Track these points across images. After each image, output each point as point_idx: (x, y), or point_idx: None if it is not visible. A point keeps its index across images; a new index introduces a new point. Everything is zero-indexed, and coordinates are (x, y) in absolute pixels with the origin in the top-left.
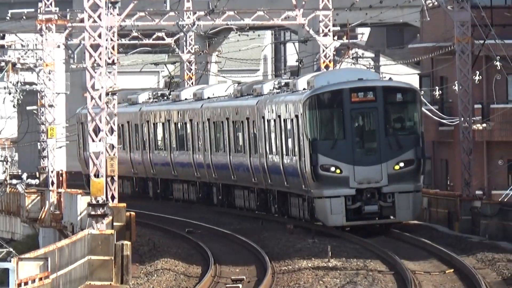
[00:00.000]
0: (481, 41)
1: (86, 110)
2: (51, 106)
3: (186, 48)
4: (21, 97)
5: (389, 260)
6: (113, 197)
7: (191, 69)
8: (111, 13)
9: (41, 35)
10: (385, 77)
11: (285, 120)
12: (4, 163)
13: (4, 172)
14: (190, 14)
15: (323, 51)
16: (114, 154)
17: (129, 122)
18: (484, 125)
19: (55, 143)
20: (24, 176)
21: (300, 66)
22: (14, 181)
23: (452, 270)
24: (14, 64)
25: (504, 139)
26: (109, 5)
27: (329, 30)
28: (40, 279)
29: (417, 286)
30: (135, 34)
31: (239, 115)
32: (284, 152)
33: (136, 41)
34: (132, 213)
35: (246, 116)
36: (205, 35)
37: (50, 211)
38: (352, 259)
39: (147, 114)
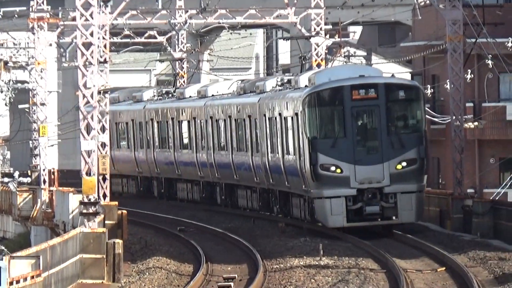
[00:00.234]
0: (473, 40)
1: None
2: (43, 104)
3: (178, 47)
4: (13, 95)
5: (381, 258)
6: (104, 196)
7: (183, 68)
8: (103, 12)
9: (33, 34)
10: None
11: (285, 118)
12: None
13: None
14: (182, 12)
15: (315, 49)
16: (106, 153)
17: (134, 120)
18: (476, 123)
19: (47, 141)
20: (16, 174)
21: (303, 63)
22: (6, 179)
23: (443, 268)
24: (6, 63)
25: (495, 137)
26: (101, 3)
27: (321, 29)
28: (32, 277)
29: (409, 284)
30: (127, 32)
31: (241, 113)
32: (285, 151)
33: (128, 40)
34: (124, 211)
35: (248, 114)
36: (197, 34)
37: (42, 210)
38: (344, 258)
39: (151, 112)
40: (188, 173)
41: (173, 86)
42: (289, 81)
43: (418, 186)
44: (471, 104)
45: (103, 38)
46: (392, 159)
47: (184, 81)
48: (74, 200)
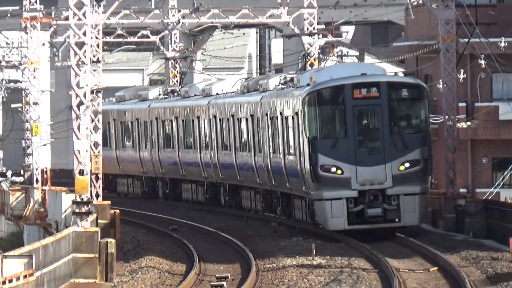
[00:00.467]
0: (466, 40)
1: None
2: (35, 104)
3: (171, 46)
4: (6, 94)
5: (373, 258)
6: (97, 195)
7: (176, 67)
8: (96, 11)
9: (26, 33)
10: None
11: (286, 118)
12: None
13: None
14: (175, 12)
15: (308, 49)
16: (98, 152)
17: (139, 120)
18: (469, 123)
19: (39, 140)
20: (9, 173)
21: (307, 60)
22: None
23: (436, 268)
24: None
25: (488, 137)
26: (94, 3)
27: (314, 28)
28: (25, 276)
29: (401, 284)
30: (120, 32)
31: (243, 112)
32: (286, 152)
33: (121, 39)
34: (117, 211)
35: (251, 113)
36: (190, 33)
37: (35, 209)
38: (337, 257)
39: (156, 111)
40: (192, 174)
41: (179, 85)
42: (291, 79)
43: (421, 187)
44: (464, 104)
45: (96, 37)
46: (395, 160)
47: (177, 81)
48: (66, 200)
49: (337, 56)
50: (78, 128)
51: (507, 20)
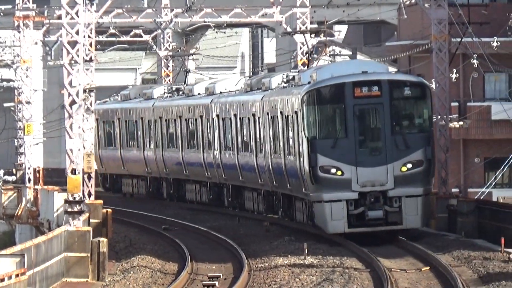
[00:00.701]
0: (458, 39)
1: (102, 105)
2: (28, 103)
3: (164, 45)
4: None
5: (365, 257)
6: (89, 194)
7: (168, 66)
8: (88, 10)
9: (19, 32)
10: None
11: (286, 117)
12: None
13: None
14: (167, 11)
15: (300, 48)
16: (91, 151)
17: (143, 119)
18: (461, 123)
19: (32, 140)
20: (1, 172)
21: (310, 58)
22: None
23: (428, 267)
24: None
25: (480, 137)
26: (87, 2)
27: (306, 28)
28: (17, 275)
29: (393, 283)
30: (112, 31)
31: (245, 111)
32: (286, 152)
33: (113, 38)
34: (109, 210)
35: (252, 112)
36: (182, 32)
37: (27, 208)
38: (328, 257)
39: (160, 110)
40: (196, 174)
41: (184, 83)
42: (293, 78)
43: (424, 189)
44: (456, 104)
45: (89, 36)
46: (397, 160)
47: (169, 80)
48: (59, 199)
49: (330, 56)
50: (71, 127)
51: (499, 20)
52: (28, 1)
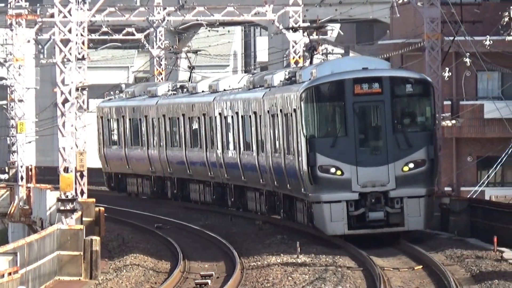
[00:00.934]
0: (451, 38)
1: (107, 103)
2: (20, 101)
3: (156, 44)
4: None
5: (358, 256)
6: (82, 192)
7: (161, 65)
8: (81, 8)
9: (11, 30)
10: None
11: (286, 115)
12: None
13: None
14: (160, 9)
15: (293, 46)
16: (83, 149)
17: (147, 117)
18: (454, 121)
19: (24, 138)
20: None
21: (312, 54)
22: None
23: (421, 266)
24: None
25: (473, 135)
26: (79, 0)
27: (299, 26)
28: (9, 274)
29: (386, 282)
30: (105, 29)
31: (247, 109)
32: (286, 151)
33: (106, 37)
34: (101, 208)
35: (254, 111)
36: (175, 31)
37: (20, 206)
38: (321, 255)
39: (163, 108)
40: (199, 173)
41: (189, 80)
42: (294, 75)
43: (427, 189)
44: (449, 102)
45: (81, 35)
46: (398, 160)
47: (162, 78)
48: (51, 197)
49: (322, 54)
50: (63, 125)
51: (492, 19)
52: None
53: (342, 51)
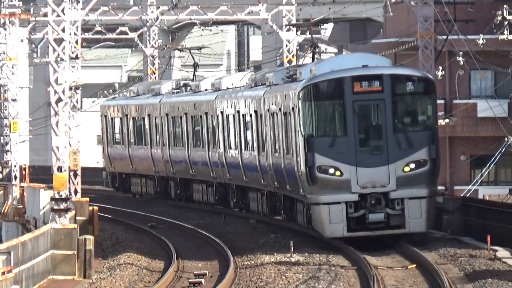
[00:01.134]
0: (444, 37)
1: (111, 102)
2: (14, 100)
3: (150, 43)
4: None
5: (352, 255)
6: (76, 192)
7: (154, 64)
8: (74, 7)
9: (5, 29)
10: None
11: (285, 114)
12: None
13: None
14: (153, 8)
15: (286, 46)
16: (77, 148)
17: (150, 115)
18: (447, 120)
19: (18, 137)
20: None
21: (315, 52)
22: None
23: (414, 265)
24: None
25: (466, 134)
26: None
27: (292, 25)
28: (3, 273)
29: (379, 281)
30: (98, 28)
31: (248, 108)
32: (285, 151)
33: (99, 36)
34: (95, 207)
35: (254, 109)
36: (168, 30)
37: (13, 206)
38: (315, 254)
39: (166, 107)
40: (202, 174)
41: (193, 79)
42: (295, 73)
43: (428, 190)
44: (442, 101)
45: (75, 34)
46: (399, 160)
47: (155, 77)
48: (45, 196)
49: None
50: (57, 124)
51: (485, 18)
52: None
53: (336, 50)
